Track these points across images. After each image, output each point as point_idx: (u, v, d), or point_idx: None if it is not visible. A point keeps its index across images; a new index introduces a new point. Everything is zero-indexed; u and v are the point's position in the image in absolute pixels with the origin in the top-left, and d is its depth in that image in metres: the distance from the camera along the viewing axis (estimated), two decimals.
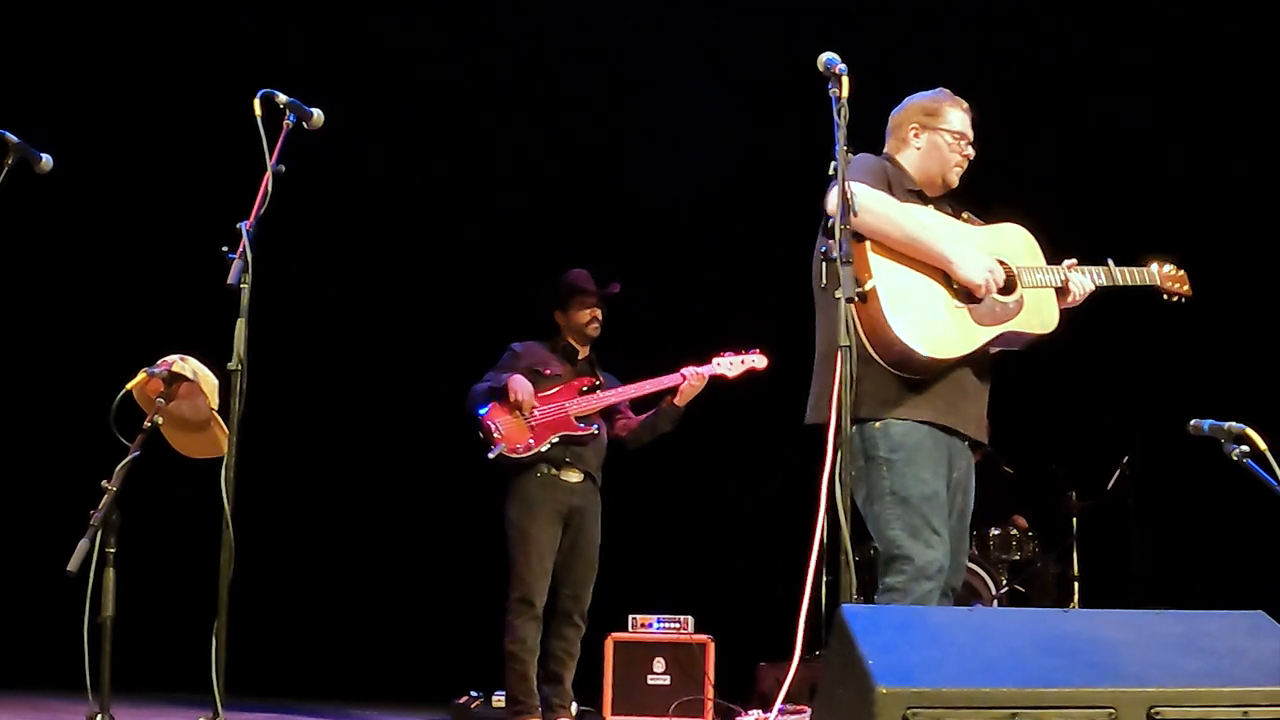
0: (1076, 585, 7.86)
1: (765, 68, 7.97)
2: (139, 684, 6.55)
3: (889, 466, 3.86)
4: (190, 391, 4.28)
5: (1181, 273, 4.42)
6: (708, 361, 6.03)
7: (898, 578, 3.82)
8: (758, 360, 6.04)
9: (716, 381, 6.03)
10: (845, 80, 3.66)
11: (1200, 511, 7.76)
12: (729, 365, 6.01)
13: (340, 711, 6.99)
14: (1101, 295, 4.28)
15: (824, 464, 3.54)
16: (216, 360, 4.09)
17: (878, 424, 3.89)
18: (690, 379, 5.98)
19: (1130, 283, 4.30)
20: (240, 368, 3.96)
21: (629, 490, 7.91)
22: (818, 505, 3.63)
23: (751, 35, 8.38)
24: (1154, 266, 4.36)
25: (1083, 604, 7.69)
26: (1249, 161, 8.39)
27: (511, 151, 8.79)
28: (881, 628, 2.81)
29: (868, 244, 3.83)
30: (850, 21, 7.76)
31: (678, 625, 6.82)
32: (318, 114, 4.23)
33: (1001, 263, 3.99)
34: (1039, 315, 4.05)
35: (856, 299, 3.58)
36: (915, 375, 3.88)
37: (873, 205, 3.78)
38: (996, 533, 7.84)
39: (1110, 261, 4.25)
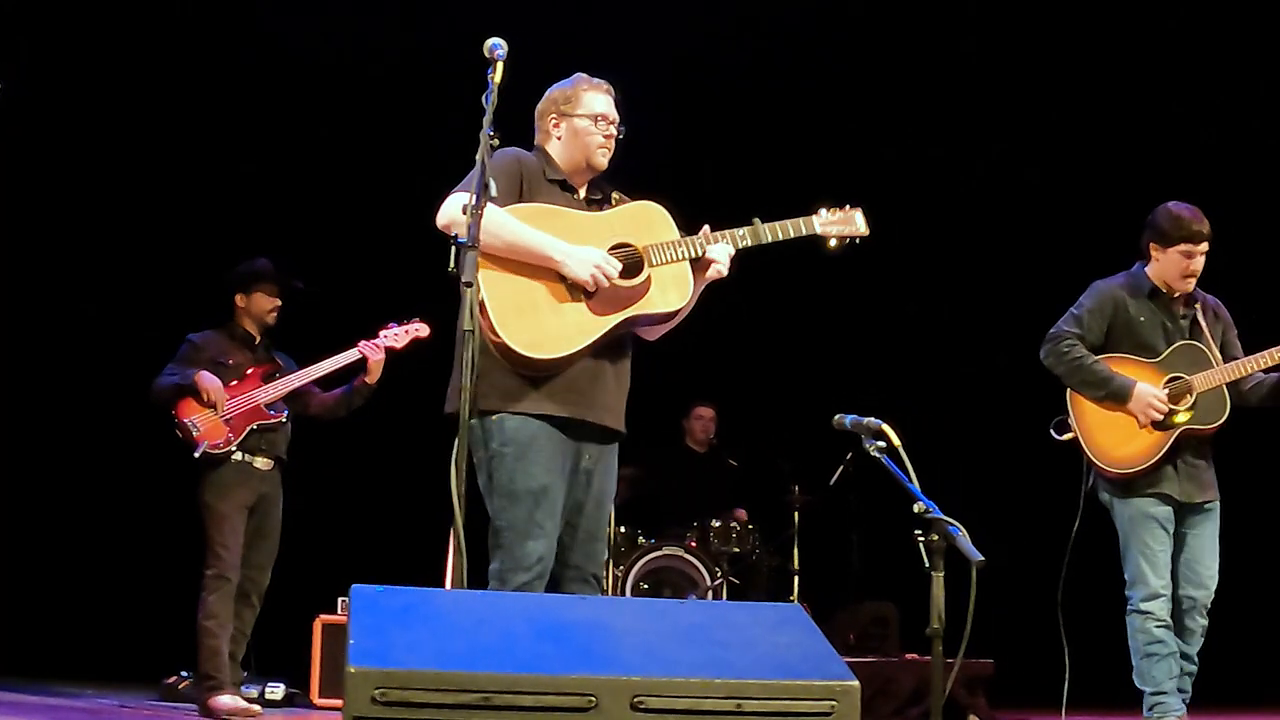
0: (796, 579, 8.12)
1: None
2: None
3: (500, 460, 3.95)
4: None
5: (851, 212, 4.20)
6: (375, 335, 6.30)
7: (497, 566, 3.94)
8: (421, 329, 6.32)
9: (388, 353, 6.30)
10: (500, 66, 3.70)
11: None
12: (395, 337, 6.30)
13: (48, 689, 6.93)
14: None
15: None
16: None
17: (494, 417, 3.98)
18: (367, 353, 6.23)
19: (785, 236, 4.12)
20: None
21: (342, 473, 8.03)
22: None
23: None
24: (819, 213, 4.16)
25: (800, 598, 7.94)
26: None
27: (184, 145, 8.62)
28: (379, 608, 2.82)
29: (477, 255, 3.68)
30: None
31: None
32: None
33: (627, 244, 4.01)
34: (667, 293, 4.02)
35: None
36: (539, 373, 3.95)
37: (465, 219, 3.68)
38: (717, 524, 8.00)
39: (757, 220, 4.10)
